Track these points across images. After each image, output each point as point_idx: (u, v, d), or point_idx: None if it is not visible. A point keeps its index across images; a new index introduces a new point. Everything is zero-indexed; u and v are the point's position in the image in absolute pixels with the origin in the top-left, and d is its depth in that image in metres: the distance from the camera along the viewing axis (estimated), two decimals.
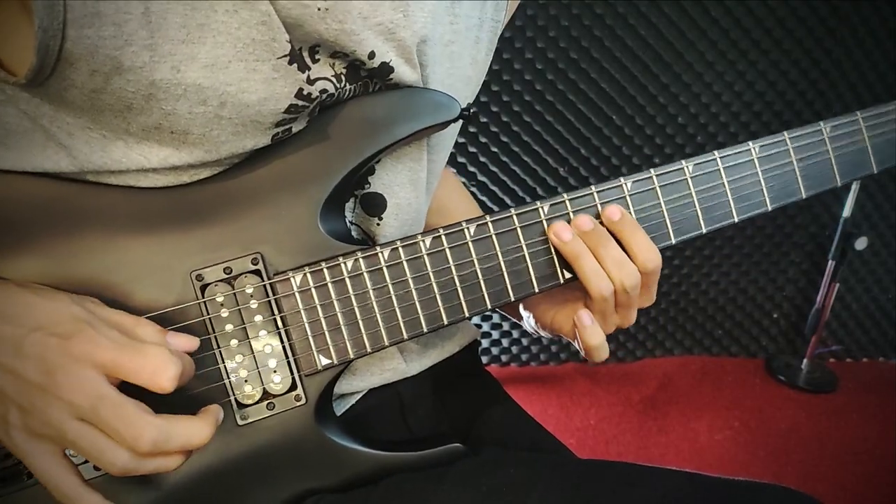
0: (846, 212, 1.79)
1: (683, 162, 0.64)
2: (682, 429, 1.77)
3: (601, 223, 0.61)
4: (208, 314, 0.57)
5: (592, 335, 0.62)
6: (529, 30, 1.66)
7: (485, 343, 1.98)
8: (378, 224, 0.64)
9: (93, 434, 0.47)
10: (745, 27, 1.71)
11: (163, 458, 0.49)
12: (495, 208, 1.63)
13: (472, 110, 0.63)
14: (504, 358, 2.01)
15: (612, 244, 0.60)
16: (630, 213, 0.62)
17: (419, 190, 0.66)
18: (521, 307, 0.73)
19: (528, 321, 0.72)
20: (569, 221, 0.61)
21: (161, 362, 0.47)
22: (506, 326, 1.97)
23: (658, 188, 0.63)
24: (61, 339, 0.46)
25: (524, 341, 1.99)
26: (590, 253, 0.60)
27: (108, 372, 0.47)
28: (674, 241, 0.64)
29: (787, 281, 2.02)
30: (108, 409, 0.46)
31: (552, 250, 0.61)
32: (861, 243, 1.78)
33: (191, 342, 0.54)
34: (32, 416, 0.47)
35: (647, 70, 1.73)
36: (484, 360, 1.99)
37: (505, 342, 1.99)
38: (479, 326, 1.95)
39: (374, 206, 0.64)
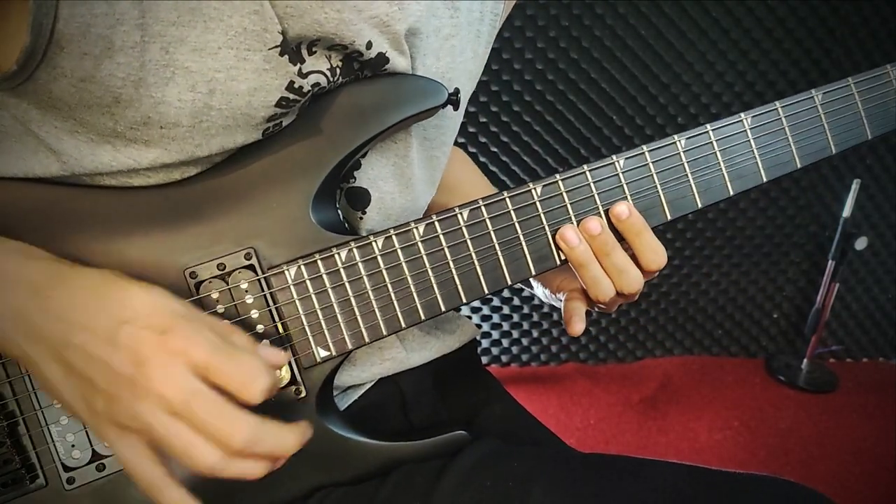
0: (846, 212, 1.78)
1: (675, 136, 0.62)
2: (682, 429, 1.76)
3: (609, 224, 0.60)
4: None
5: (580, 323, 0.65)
6: (529, 30, 1.66)
7: (485, 343, 1.98)
8: (361, 218, 0.64)
9: (183, 430, 0.45)
10: (745, 27, 1.71)
11: (250, 462, 0.47)
12: None
13: (458, 95, 0.63)
14: (504, 358, 2.00)
15: (618, 250, 0.60)
16: (628, 201, 0.61)
17: (405, 185, 0.66)
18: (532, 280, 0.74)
19: (537, 290, 0.74)
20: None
21: (255, 371, 0.46)
22: (506, 326, 1.97)
23: (651, 164, 0.62)
24: (157, 333, 0.46)
25: (524, 341, 1.99)
26: (595, 261, 0.60)
27: (199, 372, 0.46)
28: (669, 218, 0.63)
29: (787, 281, 2.02)
30: (203, 404, 0.45)
31: (547, 232, 0.61)
32: (861, 243, 1.78)
33: (280, 357, 0.52)
34: (119, 407, 0.46)
35: (647, 70, 1.73)
36: (484, 360, 1.99)
37: (505, 342, 1.99)
38: (479, 326, 1.95)
39: (358, 200, 0.64)
